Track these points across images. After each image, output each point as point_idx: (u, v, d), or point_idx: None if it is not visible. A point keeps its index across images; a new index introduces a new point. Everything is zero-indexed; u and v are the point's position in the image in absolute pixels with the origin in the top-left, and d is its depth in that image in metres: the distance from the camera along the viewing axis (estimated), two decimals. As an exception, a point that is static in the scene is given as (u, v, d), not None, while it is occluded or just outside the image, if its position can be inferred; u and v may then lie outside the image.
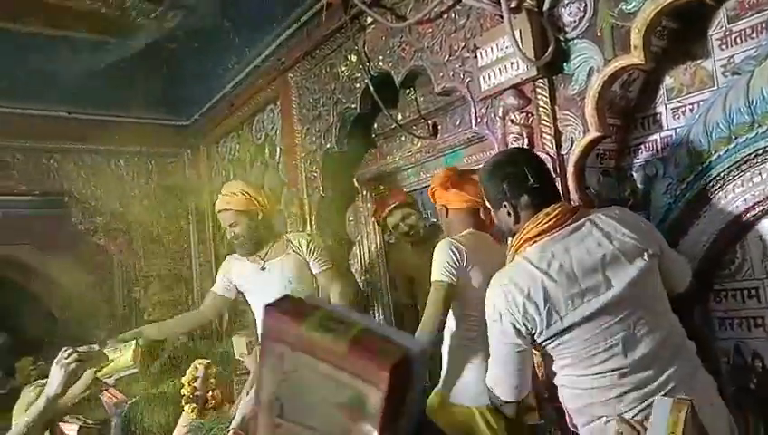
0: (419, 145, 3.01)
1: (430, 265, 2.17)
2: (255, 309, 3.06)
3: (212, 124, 4.76)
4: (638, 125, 2.10)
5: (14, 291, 4.76)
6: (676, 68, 1.99)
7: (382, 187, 3.36)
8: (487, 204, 1.82)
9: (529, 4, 2.07)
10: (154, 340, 3.14)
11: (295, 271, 2.89)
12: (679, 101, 1.98)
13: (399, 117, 3.04)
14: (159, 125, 4.84)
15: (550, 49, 2.01)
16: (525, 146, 2.08)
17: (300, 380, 0.58)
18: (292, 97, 3.64)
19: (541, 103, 2.07)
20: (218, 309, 3.29)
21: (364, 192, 3.43)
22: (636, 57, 1.80)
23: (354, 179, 3.42)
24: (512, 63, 2.11)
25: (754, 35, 1.79)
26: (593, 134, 1.93)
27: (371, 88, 2.92)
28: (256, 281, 2.95)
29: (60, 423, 2.29)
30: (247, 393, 2.50)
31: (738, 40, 1.83)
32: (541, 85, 2.07)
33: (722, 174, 1.83)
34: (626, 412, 1.47)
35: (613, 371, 1.50)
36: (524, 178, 1.66)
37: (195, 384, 2.65)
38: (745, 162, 1.78)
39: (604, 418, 1.52)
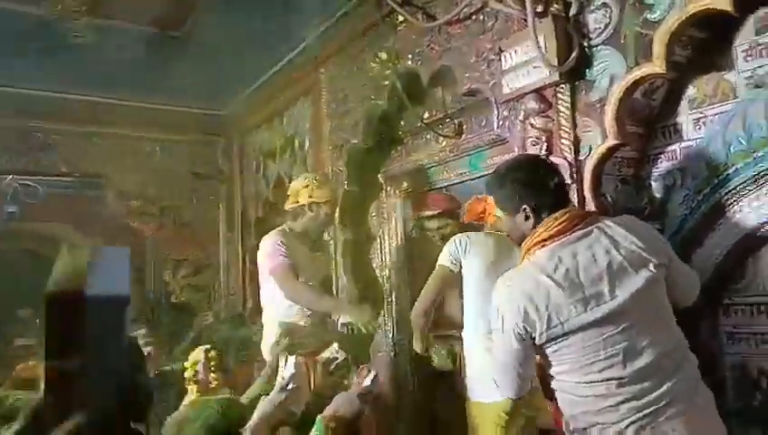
0: (444, 144, 3.04)
1: None
2: None
3: (245, 115, 4.87)
4: (658, 134, 2.08)
5: (49, 267, 4.92)
6: (700, 78, 1.97)
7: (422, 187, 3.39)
8: (498, 211, 1.82)
9: (555, 9, 2.07)
10: None
11: None
12: (701, 112, 1.96)
13: (426, 115, 3.07)
14: (196, 114, 4.99)
15: (573, 55, 2.02)
16: (543, 151, 2.09)
17: None
18: (323, 92, 3.72)
19: (561, 108, 2.08)
20: None
21: (388, 188, 3.47)
22: (657, 66, 1.79)
23: (379, 175, 3.47)
24: (535, 67, 2.12)
25: (781, 48, 1.76)
26: (611, 142, 1.93)
27: (399, 85, 2.96)
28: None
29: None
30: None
31: (765, 52, 1.80)
32: (562, 90, 2.08)
33: (738, 188, 1.81)
34: (619, 422, 1.46)
35: (610, 380, 1.49)
36: (544, 182, 1.67)
37: (197, 368, 2.94)
38: (763, 177, 1.76)
39: (599, 426, 1.51)
